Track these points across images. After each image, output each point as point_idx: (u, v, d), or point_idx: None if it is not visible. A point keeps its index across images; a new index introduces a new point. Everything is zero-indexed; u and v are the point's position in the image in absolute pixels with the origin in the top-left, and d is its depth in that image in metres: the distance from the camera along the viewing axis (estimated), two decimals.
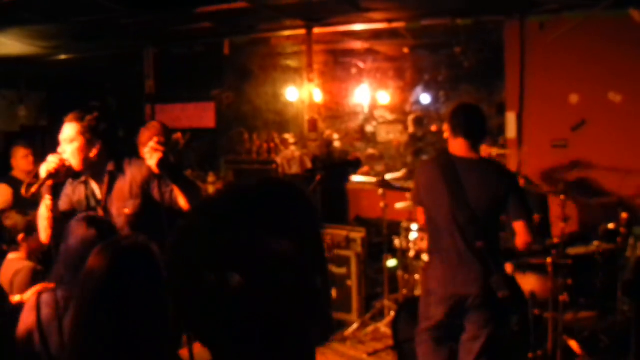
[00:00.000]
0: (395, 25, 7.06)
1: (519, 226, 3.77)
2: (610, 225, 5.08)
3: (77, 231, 2.77)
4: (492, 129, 7.70)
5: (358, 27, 7.21)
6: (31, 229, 4.08)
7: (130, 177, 3.47)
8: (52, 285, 2.99)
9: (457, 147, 3.86)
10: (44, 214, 3.41)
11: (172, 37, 7.91)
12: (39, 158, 5.86)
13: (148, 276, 2.11)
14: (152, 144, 3.21)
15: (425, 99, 9.70)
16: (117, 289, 2.06)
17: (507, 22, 6.54)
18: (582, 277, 4.80)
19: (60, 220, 3.31)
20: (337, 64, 9.46)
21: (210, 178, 8.08)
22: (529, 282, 4.73)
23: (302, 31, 7.37)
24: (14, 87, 9.33)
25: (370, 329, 5.79)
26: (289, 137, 8.98)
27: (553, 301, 4.47)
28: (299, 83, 8.46)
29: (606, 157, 6.04)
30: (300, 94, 8.46)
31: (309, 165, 7.81)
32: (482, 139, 3.94)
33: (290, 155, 8.39)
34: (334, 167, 7.50)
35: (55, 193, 3.43)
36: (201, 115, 8.61)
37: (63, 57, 8.59)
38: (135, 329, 2.01)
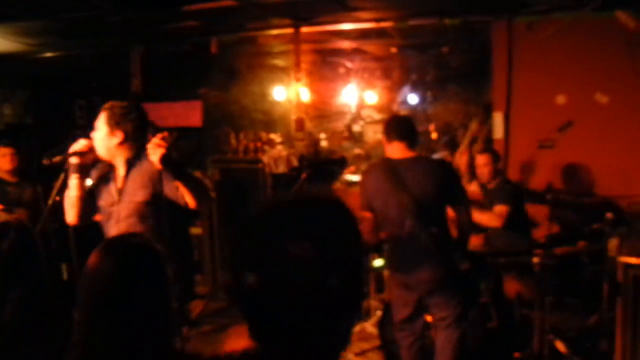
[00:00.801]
0: (383, 24, 7.06)
1: (458, 210, 4.12)
2: (596, 226, 5.09)
3: None
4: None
5: (346, 26, 7.20)
6: None
7: (146, 167, 3.52)
8: None
9: (395, 150, 4.18)
10: (70, 193, 3.53)
11: (159, 35, 7.86)
12: (24, 156, 5.84)
13: (154, 275, 2.09)
14: (155, 140, 3.28)
15: (413, 98, 9.71)
16: (125, 287, 2.03)
17: (495, 22, 6.55)
18: (568, 277, 4.82)
19: (87, 199, 3.54)
20: (324, 63, 9.46)
21: None
22: (515, 282, 4.75)
23: (289, 30, 7.35)
24: None
25: (356, 328, 5.78)
26: (276, 137, 8.96)
27: (539, 301, 4.49)
28: (287, 82, 8.44)
29: (592, 158, 6.07)
30: (288, 93, 8.44)
31: (295, 164, 7.79)
32: (414, 141, 4.27)
33: (277, 155, 8.37)
34: (319, 165, 7.49)
35: (82, 173, 3.54)
36: (188, 114, 8.57)
37: (48, 54, 8.51)
38: (139, 327, 1.99)
